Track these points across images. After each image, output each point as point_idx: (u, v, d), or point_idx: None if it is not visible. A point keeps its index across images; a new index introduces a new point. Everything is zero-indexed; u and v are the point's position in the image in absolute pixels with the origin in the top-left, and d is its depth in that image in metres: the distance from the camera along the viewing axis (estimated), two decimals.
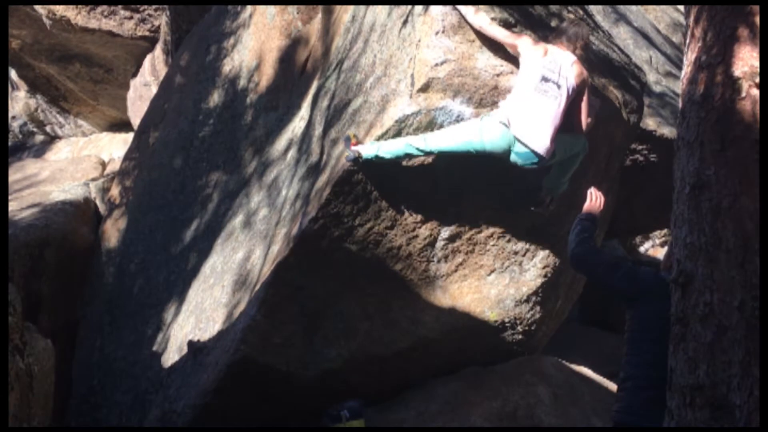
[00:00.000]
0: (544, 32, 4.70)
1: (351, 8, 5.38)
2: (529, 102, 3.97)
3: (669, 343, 2.45)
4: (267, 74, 6.30)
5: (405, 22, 4.43)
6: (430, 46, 4.23)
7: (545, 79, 4.00)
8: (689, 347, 2.31)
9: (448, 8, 4.24)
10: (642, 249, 11.28)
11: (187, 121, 6.86)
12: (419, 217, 4.51)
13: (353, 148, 4.23)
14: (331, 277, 4.59)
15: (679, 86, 3.03)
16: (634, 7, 8.36)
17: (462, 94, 4.23)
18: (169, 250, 6.36)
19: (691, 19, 2.53)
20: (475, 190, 4.48)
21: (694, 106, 2.42)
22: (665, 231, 10.47)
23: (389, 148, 4.15)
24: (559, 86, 4.01)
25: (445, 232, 4.57)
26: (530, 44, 4.11)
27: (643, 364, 2.93)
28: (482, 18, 4.17)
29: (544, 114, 3.96)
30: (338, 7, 5.64)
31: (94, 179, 8.85)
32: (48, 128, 12.11)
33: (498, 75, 4.27)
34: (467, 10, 4.18)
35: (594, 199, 3.52)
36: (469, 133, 4.03)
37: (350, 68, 4.94)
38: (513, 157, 4.01)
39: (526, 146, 3.94)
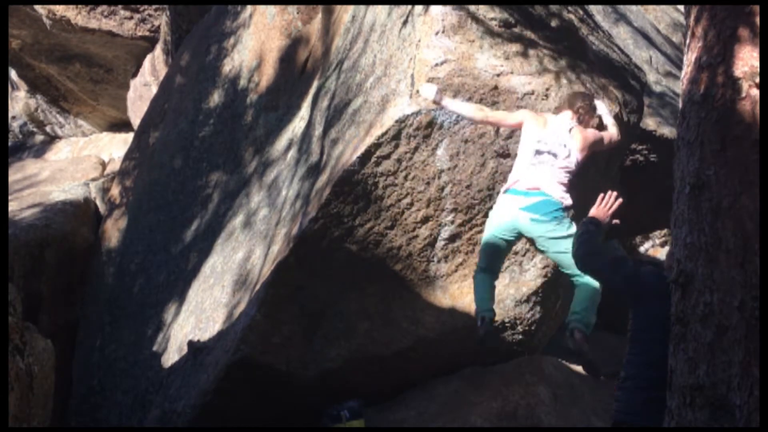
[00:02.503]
0: (544, 32, 4.71)
1: (351, 8, 5.38)
2: (526, 171, 4.02)
3: (669, 343, 2.45)
4: (267, 74, 6.30)
5: (405, 22, 4.43)
6: (430, 46, 4.23)
7: (538, 152, 4.02)
8: (689, 347, 2.31)
9: (448, 8, 4.24)
10: (642, 249, 11.26)
11: (187, 121, 6.86)
12: (419, 217, 4.51)
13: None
14: (331, 277, 4.59)
15: (679, 86, 3.03)
16: (634, 7, 8.36)
17: (462, 94, 4.23)
18: (169, 250, 6.36)
19: (692, 19, 2.53)
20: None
21: (694, 106, 2.42)
22: (665, 231, 10.46)
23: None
24: (555, 155, 4.01)
25: (445, 232, 4.57)
26: (529, 118, 4.13)
27: (644, 364, 2.93)
28: (484, 111, 4.15)
29: (545, 173, 3.99)
30: (338, 7, 5.64)
31: (94, 179, 8.85)
32: (48, 128, 12.10)
33: (498, 75, 4.27)
34: (467, 108, 4.13)
35: (603, 204, 3.51)
36: (485, 230, 4.15)
37: (350, 68, 4.94)
38: (529, 215, 3.94)
39: (533, 191, 3.92)
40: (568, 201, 4.01)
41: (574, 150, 4.06)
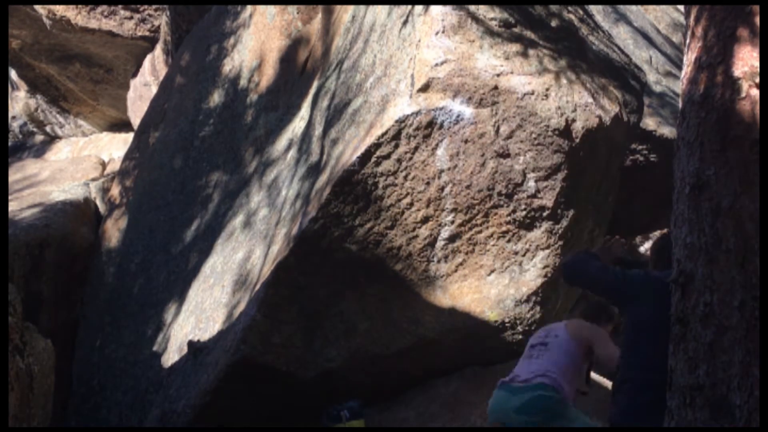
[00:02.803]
0: (544, 32, 4.71)
1: (351, 8, 5.38)
2: (520, 365, 3.79)
3: (668, 344, 2.45)
4: (267, 74, 6.30)
5: (405, 22, 4.44)
6: (430, 46, 4.23)
7: (531, 347, 3.85)
8: (689, 347, 2.31)
9: (448, 8, 4.25)
10: (642, 249, 11.26)
11: (187, 121, 6.87)
12: (419, 217, 4.51)
13: None
14: (331, 277, 4.59)
15: (679, 86, 3.04)
16: (634, 7, 8.36)
17: (462, 94, 4.23)
18: (169, 250, 6.36)
19: (692, 19, 2.53)
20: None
21: (694, 106, 2.42)
22: (665, 231, 10.46)
23: None
24: (545, 344, 3.78)
25: (445, 232, 4.57)
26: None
27: (639, 366, 2.93)
28: None
29: (539, 361, 3.70)
30: (338, 7, 5.64)
31: (94, 179, 8.85)
32: (48, 128, 12.10)
33: (498, 75, 4.27)
34: None
35: (607, 248, 3.49)
36: None
37: (350, 68, 4.94)
38: (522, 418, 3.50)
39: (526, 385, 3.57)
40: (565, 387, 3.60)
41: (565, 336, 3.76)
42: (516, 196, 4.49)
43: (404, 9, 4.51)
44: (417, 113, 4.21)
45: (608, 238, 3.59)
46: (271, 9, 6.43)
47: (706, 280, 2.28)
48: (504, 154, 4.41)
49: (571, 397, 3.66)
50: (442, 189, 4.44)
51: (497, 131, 4.37)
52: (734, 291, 2.19)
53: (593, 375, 5.51)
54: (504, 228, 4.59)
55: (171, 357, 5.58)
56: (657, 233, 10.99)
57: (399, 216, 4.48)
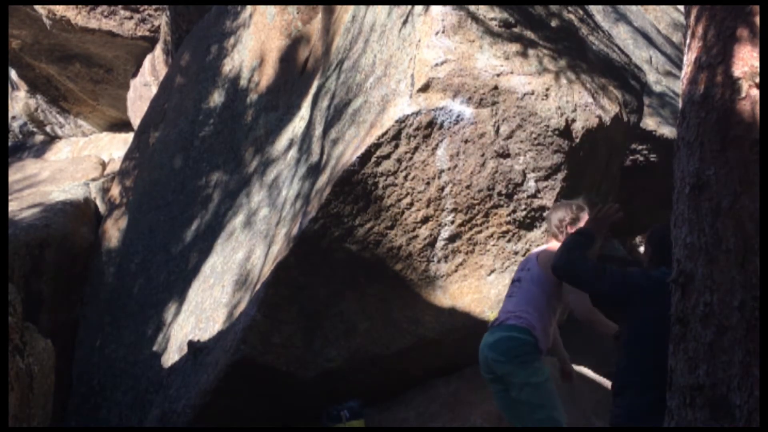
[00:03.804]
0: (544, 32, 4.71)
1: (351, 8, 5.39)
2: (502, 305, 3.86)
3: (668, 344, 2.45)
4: (267, 74, 6.31)
5: (405, 22, 4.44)
6: (430, 46, 4.23)
7: (512, 282, 3.89)
8: (689, 347, 2.31)
9: (448, 8, 4.25)
10: (642, 249, 11.27)
11: (187, 121, 6.87)
12: (419, 217, 4.51)
13: None
14: (331, 277, 4.59)
15: (679, 86, 3.03)
16: (634, 7, 8.37)
17: (462, 94, 4.24)
18: (169, 250, 6.36)
19: (692, 18, 2.53)
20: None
21: (694, 106, 2.42)
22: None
23: None
24: (519, 279, 3.81)
25: (445, 232, 4.58)
26: None
27: (641, 368, 2.92)
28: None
29: (512, 301, 3.75)
30: (338, 7, 5.65)
31: (94, 179, 8.85)
32: (48, 128, 12.10)
33: (498, 75, 4.27)
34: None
35: (602, 215, 3.35)
36: None
37: (350, 68, 4.94)
38: (492, 355, 3.66)
39: (497, 326, 3.68)
40: (537, 326, 3.63)
41: (536, 269, 3.74)
42: (516, 196, 4.49)
43: (404, 9, 4.51)
44: (417, 113, 4.22)
45: (600, 207, 3.46)
46: (271, 9, 6.44)
47: (706, 280, 2.28)
48: (504, 154, 4.41)
49: (545, 336, 3.70)
50: (442, 189, 4.44)
51: (497, 131, 4.37)
52: (734, 291, 2.19)
53: (593, 376, 5.51)
54: (504, 228, 4.59)
55: (171, 357, 5.59)
56: None
57: (399, 216, 4.48)
